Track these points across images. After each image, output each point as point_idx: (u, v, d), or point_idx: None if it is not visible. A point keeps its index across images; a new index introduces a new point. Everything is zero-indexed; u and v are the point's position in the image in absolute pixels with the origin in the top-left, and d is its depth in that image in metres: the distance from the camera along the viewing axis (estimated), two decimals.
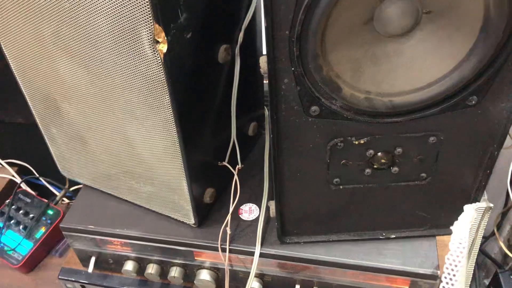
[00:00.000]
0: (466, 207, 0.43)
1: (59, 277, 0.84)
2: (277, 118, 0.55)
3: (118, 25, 0.51)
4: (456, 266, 0.39)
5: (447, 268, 0.41)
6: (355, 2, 0.46)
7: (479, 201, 0.65)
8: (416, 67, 0.51)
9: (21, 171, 1.17)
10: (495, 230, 0.89)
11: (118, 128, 0.65)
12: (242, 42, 0.66)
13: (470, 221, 0.40)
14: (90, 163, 0.75)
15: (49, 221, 0.99)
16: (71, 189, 1.06)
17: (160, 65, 0.52)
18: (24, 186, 1.09)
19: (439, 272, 0.67)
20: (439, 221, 0.69)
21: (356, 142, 0.58)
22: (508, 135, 0.74)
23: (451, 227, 0.42)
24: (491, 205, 0.65)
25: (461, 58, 0.50)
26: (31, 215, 0.99)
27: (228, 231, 0.71)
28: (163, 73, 0.53)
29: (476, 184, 0.64)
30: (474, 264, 0.66)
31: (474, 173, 0.62)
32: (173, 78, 0.54)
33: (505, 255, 0.90)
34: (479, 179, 0.63)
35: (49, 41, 0.58)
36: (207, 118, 0.67)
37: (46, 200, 1.02)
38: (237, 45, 0.66)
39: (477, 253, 0.65)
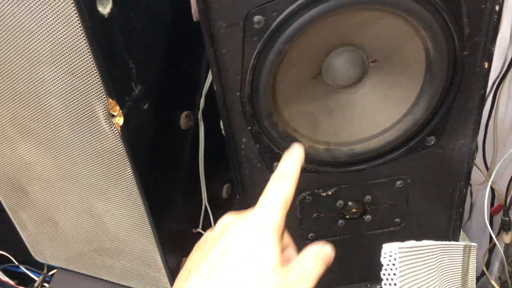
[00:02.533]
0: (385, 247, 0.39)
1: None
2: (241, 179, 0.55)
3: (72, 104, 0.51)
4: None
5: None
6: (301, 58, 0.48)
7: (457, 240, 0.64)
8: (370, 115, 0.52)
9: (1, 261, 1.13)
10: (484, 269, 0.88)
11: (86, 205, 0.64)
12: (204, 106, 0.67)
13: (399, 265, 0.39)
14: (62, 244, 0.73)
15: None
16: (50, 273, 1.03)
17: (118, 138, 0.52)
18: (1, 276, 1.05)
19: None
20: None
21: (324, 194, 0.58)
22: (480, 171, 0.75)
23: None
24: (473, 244, 0.65)
25: (411, 102, 0.51)
26: None
27: None
28: (122, 146, 0.53)
29: (452, 223, 0.63)
30: None
31: (447, 212, 0.62)
32: (133, 149, 0.54)
33: None
34: (453, 218, 0.62)
35: (8, 124, 0.58)
36: (175, 185, 0.66)
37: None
38: (199, 111, 0.67)
39: None
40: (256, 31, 0.44)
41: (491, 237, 0.89)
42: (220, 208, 0.79)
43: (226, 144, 0.53)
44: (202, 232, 0.72)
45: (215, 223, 0.72)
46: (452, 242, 0.59)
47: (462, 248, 0.62)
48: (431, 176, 0.58)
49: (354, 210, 0.60)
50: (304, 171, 0.54)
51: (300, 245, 0.63)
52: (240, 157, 0.53)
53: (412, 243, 0.43)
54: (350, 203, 0.59)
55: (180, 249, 0.70)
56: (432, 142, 0.54)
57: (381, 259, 0.38)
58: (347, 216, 0.60)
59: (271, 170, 0.54)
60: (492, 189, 0.82)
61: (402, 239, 0.64)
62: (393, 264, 0.38)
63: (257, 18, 0.43)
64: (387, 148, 0.54)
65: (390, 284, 0.37)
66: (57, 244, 0.73)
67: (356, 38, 0.48)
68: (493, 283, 0.87)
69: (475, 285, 0.64)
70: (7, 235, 1.10)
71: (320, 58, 0.49)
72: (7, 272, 1.09)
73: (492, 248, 0.90)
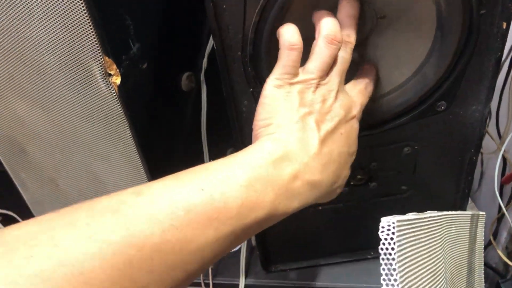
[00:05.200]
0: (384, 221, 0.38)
1: None
2: (242, 143, 0.53)
3: (68, 62, 0.49)
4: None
5: None
6: (305, 12, 0.45)
7: (465, 209, 0.62)
8: (378, 74, 0.50)
9: (6, 220, 1.14)
10: (492, 239, 0.86)
11: (85, 166, 0.63)
12: (206, 68, 0.65)
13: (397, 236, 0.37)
14: (63, 205, 0.71)
15: None
16: None
17: (115, 98, 0.50)
18: None
19: None
20: None
21: None
22: (492, 139, 0.72)
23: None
24: (481, 213, 0.63)
25: (421, 61, 0.48)
26: None
27: (210, 266, 0.68)
28: (119, 106, 0.51)
29: (460, 193, 0.61)
30: (482, 278, 0.63)
31: (455, 181, 0.60)
32: (131, 110, 0.52)
33: (506, 264, 0.86)
34: (462, 186, 0.60)
35: (3, 84, 0.57)
36: (176, 149, 0.65)
37: None
38: (202, 72, 0.64)
39: (482, 265, 0.62)
40: None
41: (500, 207, 0.87)
42: None
43: (226, 107, 0.51)
44: None
45: None
46: (458, 212, 0.57)
47: (470, 218, 0.60)
48: (440, 143, 0.55)
49: (359, 176, 0.58)
50: None
51: (303, 211, 0.62)
52: (242, 120, 0.51)
53: (413, 215, 0.41)
54: (355, 169, 0.57)
55: None
56: (442, 107, 0.51)
57: (379, 233, 0.36)
58: (352, 183, 0.59)
59: None
60: (504, 158, 0.80)
61: (408, 207, 0.62)
62: (391, 238, 0.36)
63: None
64: (395, 112, 0.52)
65: (388, 259, 0.36)
66: (59, 204, 0.73)
67: None
68: (500, 253, 0.86)
69: (482, 254, 0.63)
70: (11, 195, 1.11)
71: None
72: None
73: (500, 218, 0.88)
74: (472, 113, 0.52)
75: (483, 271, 0.64)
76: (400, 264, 0.36)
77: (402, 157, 0.56)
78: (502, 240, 0.89)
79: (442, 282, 0.44)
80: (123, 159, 0.58)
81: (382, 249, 0.36)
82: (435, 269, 0.44)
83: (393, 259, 0.35)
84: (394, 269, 0.34)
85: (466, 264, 0.58)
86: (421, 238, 0.44)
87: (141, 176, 0.59)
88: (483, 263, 0.64)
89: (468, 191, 0.61)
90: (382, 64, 0.50)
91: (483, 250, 0.64)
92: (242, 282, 0.67)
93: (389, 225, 0.37)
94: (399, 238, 0.37)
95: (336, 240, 0.66)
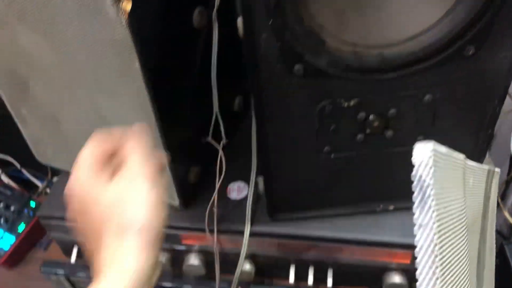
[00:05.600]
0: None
1: (42, 270, 0.80)
2: (257, 81, 0.50)
3: None
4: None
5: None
6: None
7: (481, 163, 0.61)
8: (405, 14, 0.47)
9: (2, 164, 1.12)
10: (499, 200, 0.85)
11: (90, 104, 0.60)
12: (219, 5, 0.61)
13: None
14: (66, 145, 0.70)
15: (31, 214, 0.95)
16: (54, 179, 1.02)
17: (125, 25, 0.47)
18: (4, 179, 1.05)
19: None
20: None
21: (346, 105, 0.53)
22: (508, 95, 0.69)
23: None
24: (497, 170, 0.61)
25: (453, 2, 0.45)
26: (12, 208, 0.95)
27: (215, 211, 0.66)
28: (129, 37, 0.48)
29: (478, 147, 0.59)
30: (494, 238, 0.62)
31: (475, 134, 0.58)
32: (141, 40, 0.49)
33: (511, 226, 0.86)
34: (480, 140, 0.58)
35: (6, 11, 0.53)
36: (186, 88, 0.62)
37: (28, 192, 0.98)
38: (214, 9, 0.61)
39: (494, 224, 0.61)
40: None
41: (510, 168, 0.86)
42: (231, 121, 0.75)
43: (242, 42, 0.48)
44: (212, 141, 0.69)
45: (225, 134, 0.68)
46: (477, 164, 0.55)
47: (487, 172, 0.58)
48: (463, 91, 0.53)
49: (376, 124, 0.56)
50: (327, 76, 0.50)
51: (314, 159, 0.60)
52: (258, 56, 0.48)
53: (446, 149, 0.39)
54: (372, 116, 0.55)
55: (189, 157, 0.68)
56: (470, 52, 0.49)
57: (413, 157, 0.34)
58: (368, 131, 0.56)
59: (290, 73, 0.49)
60: None
61: None
62: (427, 163, 0.34)
63: None
64: (420, 55, 0.49)
65: (422, 186, 0.34)
66: (61, 145, 0.71)
67: None
68: (506, 215, 0.85)
69: (495, 210, 0.61)
70: (10, 140, 1.09)
71: None
72: (11, 178, 1.09)
73: (509, 181, 0.87)
74: (500, 60, 0.50)
75: (494, 231, 0.63)
76: (436, 192, 0.34)
77: (422, 105, 0.54)
78: (509, 202, 0.87)
79: (465, 227, 0.42)
80: (130, 95, 0.55)
81: (415, 175, 0.33)
82: (461, 210, 0.42)
83: (429, 184, 0.33)
84: (429, 195, 0.32)
85: (480, 218, 0.57)
86: (449, 174, 0.41)
87: (149, 117, 0.56)
88: (495, 222, 0.63)
89: (486, 145, 0.59)
90: (410, 5, 0.47)
91: (496, 208, 0.63)
92: (247, 229, 0.66)
93: (427, 148, 0.34)
94: (435, 164, 0.34)
95: (345, 191, 0.65)
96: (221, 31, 0.62)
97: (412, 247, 0.64)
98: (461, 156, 0.43)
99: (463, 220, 0.42)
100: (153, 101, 0.55)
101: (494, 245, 0.64)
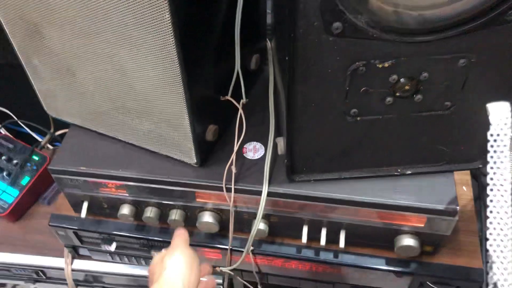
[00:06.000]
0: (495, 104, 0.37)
1: (50, 223, 0.79)
2: (294, 37, 0.48)
3: None
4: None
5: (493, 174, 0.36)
6: None
7: None
8: None
9: (0, 117, 1.09)
10: None
11: (110, 55, 0.58)
12: None
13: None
14: (79, 99, 0.68)
15: (34, 167, 0.93)
16: (57, 133, 0.99)
17: None
18: (4, 132, 1.02)
19: (458, 208, 0.63)
20: (458, 156, 0.65)
21: (380, 66, 0.52)
22: None
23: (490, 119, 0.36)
24: None
25: None
26: (14, 161, 0.93)
27: (234, 170, 0.65)
28: None
29: None
30: None
31: (502, 100, 0.57)
32: None
33: None
34: None
35: None
36: (209, 44, 0.60)
37: (30, 146, 0.96)
38: None
39: None
40: None
41: None
42: (248, 79, 0.73)
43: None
44: (232, 100, 0.67)
45: (245, 94, 0.67)
46: None
47: None
48: (498, 57, 0.52)
49: (407, 87, 0.55)
50: (365, 36, 0.49)
51: (340, 121, 0.59)
52: (297, 11, 0.46)
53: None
54: (403, 79, 0.54)
55: (208, 115, 0.66)
56: None
57: (490, 117, 0.33)
58: (397, 94, 0.56)
59: (329, 31, 0.48)
60: None
61: (448, 124, 0.60)
62: (505, 123, 0.33)
63: None
64: (460, 18, 0.48)
65: (499, 146, 0.33)
66: (74, 98, 0.68)
67: None
68: None
69: None
70: (7, 92, 1.05)
71: None
72: (10, 131, 1.06)
73: None
74: None
75: None
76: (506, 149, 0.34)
77: (456, 69, 0.53)
78: None
79: None
80: (156, 47, 0.53)
81: (492, 134, 0.33)
82: None
83: (505, 145, 0.32)
84: (502, 152, 0.32)
85: None
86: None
87: (175, 71, 0.55)
88: None
89: None
90: None
91: None
92: (265, 188, 0.65)
93: (504, 108, 0.34)
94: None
95: (365, 155, 0.65)
96: None
97: (427, 211, 0.65)
98: None
99: None
100: (179, 55, 0.53)
101: None
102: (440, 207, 0.63)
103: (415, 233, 0.68)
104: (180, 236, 0.59)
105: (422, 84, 0.55)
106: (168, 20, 0.49)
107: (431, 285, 0.73)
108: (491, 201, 0.33)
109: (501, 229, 0.33)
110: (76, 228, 0.78)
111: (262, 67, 0.81)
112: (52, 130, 0.98)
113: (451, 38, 0.50)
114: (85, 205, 0.75)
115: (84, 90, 0.66)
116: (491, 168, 0.33)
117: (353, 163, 0.66)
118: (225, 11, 0.61)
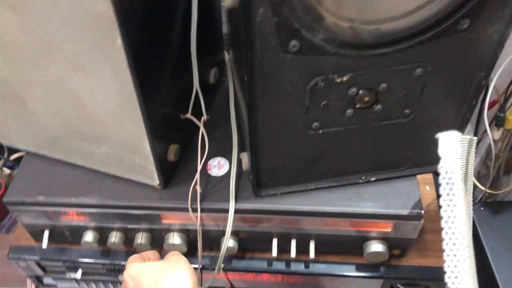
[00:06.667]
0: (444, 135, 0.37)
1: (9, 256, 0.75)
2: (251, 57, 0.48)
3: None
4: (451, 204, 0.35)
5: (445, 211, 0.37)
6: None
7: (463, 133, 0.62)
8: None
9: None
10: None
11: (62, 81, 0.55)
12: None
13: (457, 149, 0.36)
14: (32, 126, 0.65)
15: None
16: (12, 157, 0.95)
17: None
18: None
19: (422, 212, 0.64)
20: (420, 160, 0.66)
21: (339, 80, 0.52)
22: None
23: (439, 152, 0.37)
24: (475, 138, 0.62)
25: None
26: None
27: (198, 190, 0.64)
28: (111, 9, 0.44)
29: (460, 117, 0.60)
30: (471, 202, 0.63)
31: (459, 105, 0.59)
32: (124, 14, 0.45)
33: (475, 187, 0.90)
34: (463, 111, 0.59)
35: None
36: (166, 62, 0.59)
37: None
38: None
39: (472, 191, 0.62)
40: None
41: (475, 133, 0.89)
42: (207, 93, 0.72)
43: (237, 17, 0.45)
44: (192, 118, 0.66)
45: (206, 109, 0.66)
46: (463, 136, 0.56)
47: (468, 141, 0.60)
48: (453, 64, 0.53)
49: (366, 99, 0.55)
50: (323, 52, 0.48)
51: (303, 135, 0.59)
52: (253, 32, 0.46)
53: (460, 135, 0.39)
54: (363, 91, 0.54)
55: (168, 134, 0.65)
56: (465, 26, 0.48)
57: (439, 150, 0.34)
58: (357, 106, 0.56)
59: (286, 49, 0.47)
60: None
61: (408, 132, 0.61)
62: (452, 154, 0.34)
63: None
64: (416, 29, 0.48)
65: (450, 179, 0.33)
66: (26, 126, 0.65)
67: None
68: (473, 176, 0.88)
69: (473, 176, 0.63)
70: None
71: None
72: None
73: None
74: (492, 33, 0.50)
75: (471, 197, 0.65)
76: (458, 180, 0.34)
77: (413, 79, 0.54)
78: (475, 164, 0.91)
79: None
80: (110, 72, 0.51)
81: (442, 166, 0.33)
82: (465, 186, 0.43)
83: (452, 172, 0.33)
84: (453, 183, 0.32)
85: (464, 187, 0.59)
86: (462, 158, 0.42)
87: (130, 93, 0.53)
88: (472, 187, 0.65)
89: (469, 116, 0.60)
90: None
91: (473, 173, 0.65)
92: (232, 205, 0.64)
93: (452, 139, 0.34)
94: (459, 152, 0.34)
95: (330, 165, 0.65)
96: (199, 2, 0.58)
97: (393, 216, 0.66)
98: (468, 136, 0.43)
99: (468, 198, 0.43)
100: (134, 78, 0.51)
101: (472, 209, 0.67)
102: (405, 212, 0.64)
103: (383, 238, 0.69)
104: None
105: (381, 95, 0.55)
106: (120, 45, 0.47)
107: (401, 287, 0.74)
108: (446, 233, 0.33)
109: (458, 260, 0.33)
110: (38, 258, 0.75)
111: (222, 79, 0.80)
112: (6, 155, 0.94)
113: (407, 49, 0.50)
114: (46, 234, 0.72)
115: (37, 117, 0.63)
116: (444, 200, 0.33)
117: (318, 173, 0.65)
118: (179, 29, 0.59)
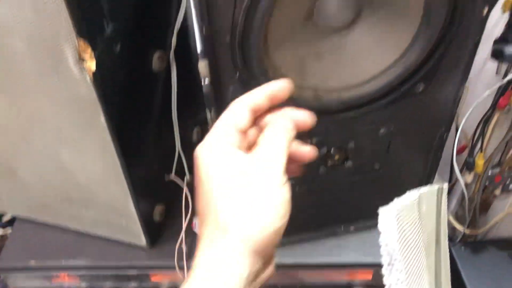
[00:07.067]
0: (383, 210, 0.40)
1: None
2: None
3: (39, 47, 0.45)
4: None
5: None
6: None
7: (431, 183, 0.65)
8: (361, 59, 0.50)
9: None
10: None
11: (50, 154, 0.59)
12: (176, 46, 0.62)
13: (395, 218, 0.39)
14: (23, 193, 0.68)
15: None
16: (3, 220, 0.97)
17: (89, 83, 0.47)
18: None
19: None
20: None
21: (309, 142, 0.56)
22: None
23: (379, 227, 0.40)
24: (445, 186, 0.66)
25: (405, 47, 0.49)
26: None
27: (184, 248, 0.67)
28: (94, 92, 0.48)
29: (428, 168, 0.64)
30: (447, 250, 0.66)
31: (425, 157, 0.62)
32: (106, 95, 0.49)
33: (454, 228, 0.92)
34: (430, 162, 0.63)
35: None
36: (148, 130, 0.62)
37: None
38: (171, 51, 0.62)
39: (447, 235, 0.65)
40: None
41: (451, 177, 0.92)
42: (191, 152, 0.76)
43: (210, 93, 0.49)
44: (175, 179, 0.69)
45: (189, 169, 0.69)
46: (428, 187, 0.60)
47: (436, 191, 0.63)
48: (414, 122, 0.57)
49: (337, 157, 0.59)
50: None
51: None
52: (226, 106, 0.49)
53: (404, 200, 0.42)
54: (333, 150, 0.58)
55: (153, 196, 0.68)
56: (420, 89, 0.53)
57: (379, 225, 0.37)
58: (329, 163, 0.59)
59: None
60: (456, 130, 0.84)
61: (380, 184, 0.64)
62: (391, 226, 0.37)
63: None
64: (375, 95, 0.52)
65: (389, 251, 0.37)
66: (17, 193, 0.68)
67: None
68: (450, 218, 0.91)
69: (446, 224, 0.66)
70: None
71: None
72: None
73: (451, 188, 0.93)
74: (447, 94, 0.54)
75: (447, 241, 0.68)
76: (400, 248, 0.37)
77: (378, 137, 0.57)
78: (452, 206, 0.94)
79: (423, 257, 0.46)
80: (95, 145, 0.55)
81: (382, 240, 0.36)
82: (420, 247, 0.46)
83: (394, 249, 0.36)
84: (392, 254, 0.35)
85: (434, 235, 0.62)
86: (409, 220, 0.45)
87: (114, 162, 0.56)
88: (447, 233, 0.68)
89: (435, 167, 0.63)
90: (366, 51, 0.50)
91: (446, 219, 0.68)
92: None
93: (388, 213, 0.38)
94: (399, 225, 0.38)
95: (309, 217, 0.67)
96: (178, 69, 0.62)
97: (373, 265, 0.68)
98: (416, 195, 0.46)
99: (422, 256, 0.46)
100: (117, 149, 0.55)
101: (448, 253, 0.70)
102: None
103: (365, 285, 0.71)
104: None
105: (351, 152, 0.59)
106: (103, 121, 0.51)
107: None
108: None
109: None
110: None
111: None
112: None
113: (369, 112, 0.54)
114: None
115: (28, 185, 0.66)
116: (385, 269, 0.36)
117: (297, 227, 0.68)
118: (160, 97, 0.63)
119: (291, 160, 0.38)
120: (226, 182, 0.33)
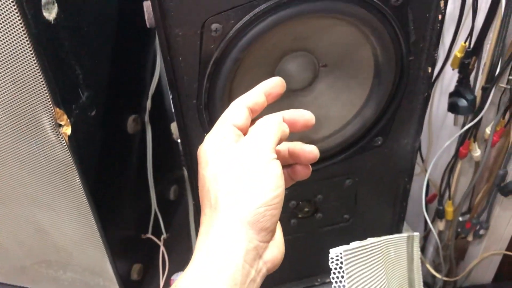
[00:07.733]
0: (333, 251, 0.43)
1: None
2: (195, 181, 0.54)
3: (17, 115, 0.48)
4: None
5: None
6: (255, 63, 0.48)
7: (401, 232, 0.68)
8: (321, 117, 0.53)
9: None
10: (420, 254, 0.93)
11: (28, 216, 0.60)
12: (150, 109, 0.65)
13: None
14: (3, 258, 0.68)
15: None
16: None
17: (65, 148, 0.50)
18: None
19: None
20: None
21: None
22: (416, 164, 0.79)
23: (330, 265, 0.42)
24: (415, 234, 0.68)
25: (361, 104, 0.53)
26: None
27: None
28: (69, 156, 0.51)
29: (396, 217, 0.66)
30: None
31: (392, 207, 0.65)
32: (81, 157, 0.52)
33: (433, 276, 0.94)
34: (397, 211, 0.66)
35: None
36: (124, 191, 0.64)
37: None
38: (146, 113, 0.65)
39: (421, 281, 0.67)
40: (213, 38, 0.43)
41: (425, 225, 0.95)
42: (168, 210, 0.78)
43: (182, 153, 0.52)
44: (152, 237, 0.71)
45: (165, 227, 0.71)
46: (396, 235, 0.62)
47: (406, 239, 0.65)
48: (377, 173, 0.60)
49: (306, 209, 0.61)
50: None
51: None
52: (195, 164, 0.52)
53: (356, 243, 0.45)
54: (302, 203, 0.61)
55: (130, 255, 0.69)
56: (379, 142, 0.56)
57: (329, 263, 0.40)
58: (300, 215, 0.62)
59: None
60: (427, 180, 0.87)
61: (352, 234, 0.66)
62: (340, 268, 0.40)
63: (214, 26, 0.43)
64: (336, 150, 0.56)
65: (339, 287, 0.39)
66: None
67: (308, 44, 0.49)
68: (428, 266, 0.93)
69: (420, 271, 0.68)
70: None
71: (274, 63, 0.50)
72: None
73: (426, 236, 0.96)
74: (404, 146, 0.58)
75: (422, 285, 0.70)
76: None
77: (344, 188, 0.60)
78: (429, 254, 0.96)
79: None
80: (71, 207, 0.56)
81: (333, 278, 0.39)
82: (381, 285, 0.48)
83: (344, 286, 0.38)
84: None
85: (407, 282, 0.63)
86: (366, 263, 0.47)
87: (90, 223, 0.58)
88: (421, 279, 0.69)
89: (403, 216, 0.66)
90: (325, 109, 0.54)
91: (420, 267, 0.70)
92: None
93: (337, 256, 0.40)
94: (348, 266, 0.40)
95: (283, 270, 0.69)
96: (153, 131, 0.66)
97: None
98: (372, 240, 0.49)
99: None
100: (93, 210, 0.57)
101: None
102: None
103: None
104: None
105: (319, 204, 0.61)
106: (78, 184, 0.53)
107: None
108: None
109: None
110: None
111: (182, 194, 0.85)
112: None
113: (333, 165, 0.57)
114: None
115: (5, 249, 0.67)
116: None
117: (275, 280, 0.70)
118: (136, 157, 0.66)
119: (296, 160, 0.42)
120: (220, 168, 0.35)
